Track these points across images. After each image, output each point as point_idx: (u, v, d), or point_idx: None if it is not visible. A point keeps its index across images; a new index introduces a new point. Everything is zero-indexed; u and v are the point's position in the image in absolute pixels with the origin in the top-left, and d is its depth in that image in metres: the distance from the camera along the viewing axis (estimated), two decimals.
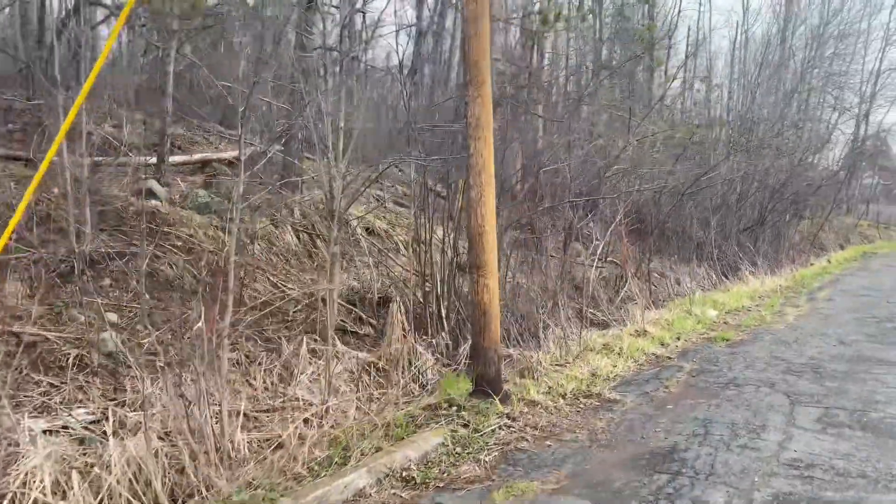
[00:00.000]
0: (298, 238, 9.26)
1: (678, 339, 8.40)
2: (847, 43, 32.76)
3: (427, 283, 8.24)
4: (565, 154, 11.25)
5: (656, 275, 14.12)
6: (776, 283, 13.14)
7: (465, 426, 5.05)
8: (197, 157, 10.63)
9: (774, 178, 17.71)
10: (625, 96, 22.31)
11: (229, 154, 10.70)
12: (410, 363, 7.45)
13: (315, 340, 7.26)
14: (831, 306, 10.94)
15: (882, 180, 39.13)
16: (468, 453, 4.66)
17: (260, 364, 6.58)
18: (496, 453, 4.71)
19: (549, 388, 6.06)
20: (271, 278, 8.18)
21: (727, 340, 8.41)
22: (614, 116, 16.82)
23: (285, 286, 8.04)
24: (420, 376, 7.16)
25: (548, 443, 4.92)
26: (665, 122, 17.63)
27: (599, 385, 6.32)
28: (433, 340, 7.88)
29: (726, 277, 15.34)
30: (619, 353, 7.39)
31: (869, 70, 34.05)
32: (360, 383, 7.10)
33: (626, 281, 10.72)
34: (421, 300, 8.48)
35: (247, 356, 6.78)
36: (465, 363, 6.79)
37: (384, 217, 10.90)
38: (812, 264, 16.83)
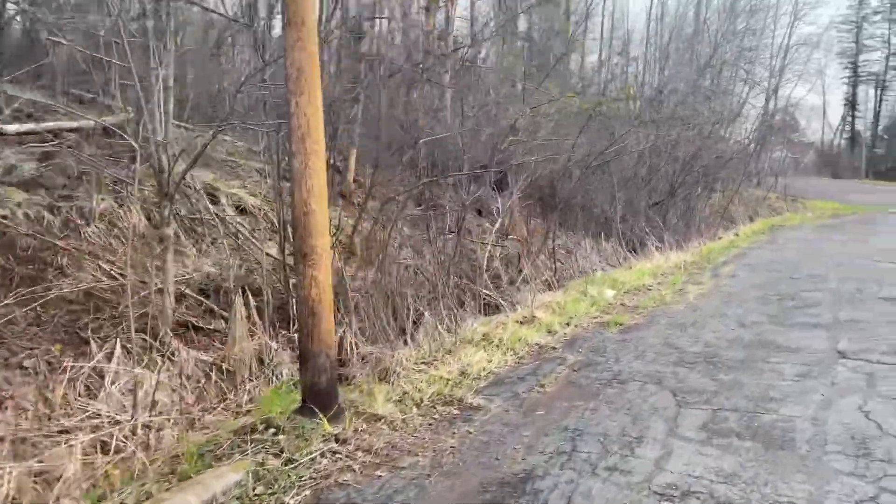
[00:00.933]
0: (149, 218, 7.95)
1: (568, 324, 7.56)
2: (758, 18, 32.77)
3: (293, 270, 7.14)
4: (458, 123, 10.26)
5: (563, 251, 13.38)
6: (682, 258, 12.54)
7: (279, 455, 4.00)
8: (47, 125, 9.13)
9: (684, 150, 17.20)
10: (538, 69, 21.48)
11: (87, 122, 9.25)
12: (264, 364, 6.38)
13: (144, 340, 6.10)
14: (734, 283, 10.35)
15: (790, 154, 39.76)
16: (271, 494, 3.62)
17: (64, 371, 5.37)
18: (308, 492, 3.69)
19: (405, 394, 5.08)
20: (104, 265, 6.91)
21: (621, 325, 7.62)
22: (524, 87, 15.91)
23: (121, 274, 6.78)
24: (276, 379, 6.11)
25: (379, 472, 3.93)
26: (575, 93, 16.85)
27: (465, 387, 5.37)
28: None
29: (635, 252, 14.76)
30: (498, 345, 6.48)
31: (778, 45, 34.25)
32: (201, 391, 6.01)
33: (522, 260, 9.82)
34: (282, 290, 7.39)
35: (49, 363, 5.57)
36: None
37: (259, 193, 9.66)
38: (720, 238, 16.43)
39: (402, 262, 10.06)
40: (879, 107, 54.64)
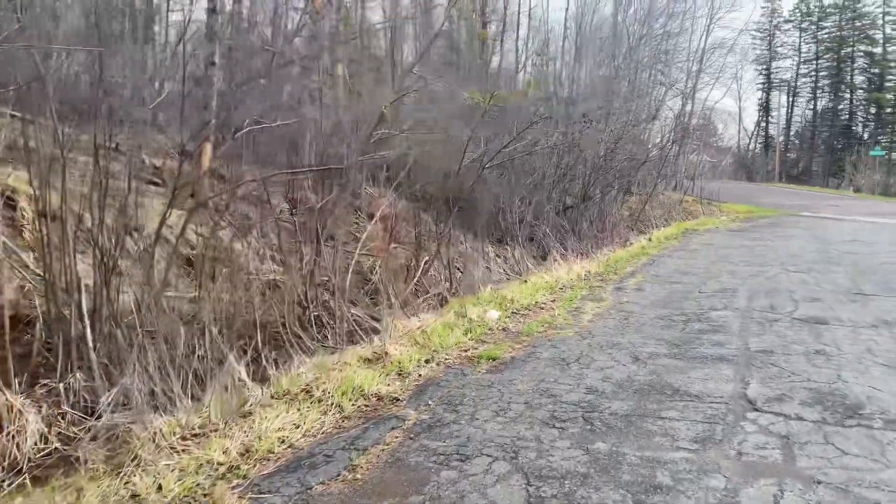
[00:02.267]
0: None
1: (429, 361, 6.00)
2: (675, 21, 32.20)
3: (61, 294, 5.44)
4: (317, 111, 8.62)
5: (464, 260, 11.86)
6: (587, 268, 11.19)
7: None
8: None
9: (595, 151, 15.97)
10: (446, 62, 20.00)
11: None
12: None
13: None
14: (637, 299, 9.01)
15: (708, 157, 39.58)
16: None
17: None
18: None
19: (134, 498, 3.39)
20: None
21: (493, 360, 6.11)
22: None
23: None
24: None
25: None
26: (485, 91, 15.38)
27: (237, 478, 3.72)
28: (64, 384, 5.10)
29: (544, 259, 13.42)
30: (320, 399, 4.86)
31: (695, 48, 33.85)
32: None
33: (376, 271, 8.25)
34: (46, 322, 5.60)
35: None
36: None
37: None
38: (632, 244, 15.24)
39: (260, 277, 8.36)
40: (791, 112, 55.59)
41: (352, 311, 8.23)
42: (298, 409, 4.67)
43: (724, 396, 5.07)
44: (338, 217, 10.68)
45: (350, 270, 8.28)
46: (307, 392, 4.96)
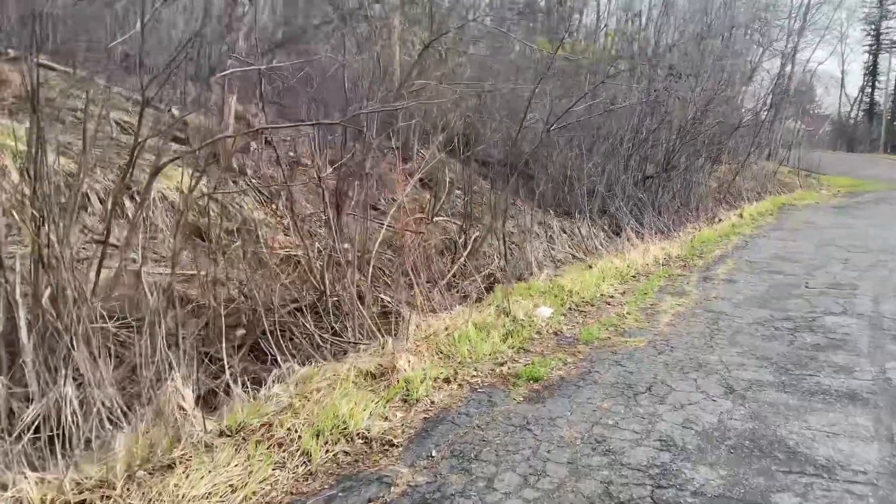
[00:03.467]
0: None
1: (448, 380, 4.52)
2: None
3: None
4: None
5: (522, 235, 10.27)
6: (665, 250, 9.39)
7: None
8: None
9: (682, 116, 13.86)
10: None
11: None
12: None
13: None
14: (729, 293, 7.23)
15: (805, 125, 35.99)
16: None
17: None
18: None
19: None
20: None
21: (536, 381, 4.57)
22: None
23: None
24: None
25: None
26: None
27: None
28: None
29: (618, 236, 11.64)
30: (280, 442, 3.45)
31: (797, 4, 30.30)
32: None
33: (404, 255, 6.78)
34: None
35: None
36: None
37: None
38: (720, 221, 13.20)
39: (278, 252, 7.09)
40: None
41: (382, 295, 6.82)
42: (248, 458, 3.29)
43: (868, 471, 3.37)
44: (384, 181, 9.27)
45: (376, 245, 6.82)
46: (268, 428, 3.56)
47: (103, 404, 3.69)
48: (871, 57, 51.67)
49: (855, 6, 43.94)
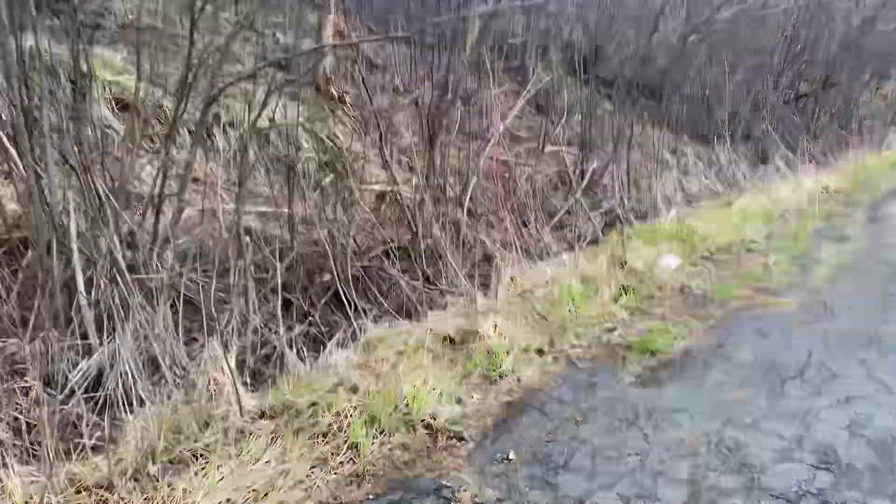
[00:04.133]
0: None
1: (542, 351, 3.71)
2: None
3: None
4: None
5: (652, 164, 9.05)
6: (823, 183, 7.89)
7: None
8: None
9: (846, 24, 11.65)
10: None
11: None
12: None
13: None
14: None
15: None
16: None
17: None
18: None
19: None
20: None
21: (652, 354, 3.66)
22: None
23: None
24: None
25: None
26: None
27: None
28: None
29: (765, 163, 10.10)
30: (324, 432, 2.83)
31: None
32: None
33: (505, 191, 5.91)
34: None
35: None
36: None
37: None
38: (889, 146, 11.16)
39: (373, 188, 6.47)
40: None
41: (483, 236, 6.03)
42: (284, 451, 2.69)
43: None
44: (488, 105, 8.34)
45: (473, 180, 5.97)
46: (316, 410, 2.94)
47: (164, 361, 3.21)
48: None
49: None
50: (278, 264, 4.00)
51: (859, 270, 5.02)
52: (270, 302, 4.24)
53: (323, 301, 4.41)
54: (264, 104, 3.82)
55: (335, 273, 4.63)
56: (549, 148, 7.95)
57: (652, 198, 7.52)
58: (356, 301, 4.59)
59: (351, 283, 4.66)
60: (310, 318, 4.18)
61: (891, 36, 14.40)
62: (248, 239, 4.96)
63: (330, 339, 3.76)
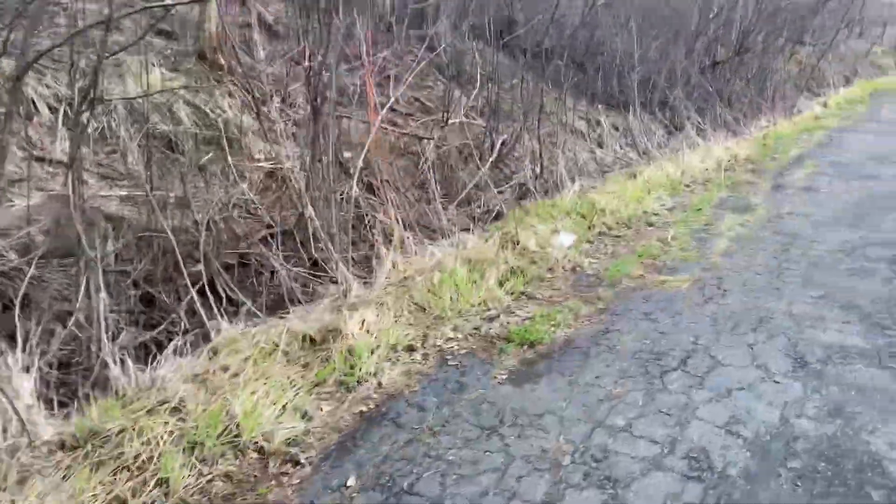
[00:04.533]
0: None
1: (412, 348, 3.34)
2: None
3: None
4: None
5: (567, 135, 8.77)
6: (732, 151, 7.74)
7: None
8: None
9: None
10: None
11: None
12: None
13: None
14: (807, 208, 5.69)
15: None
16: None
17: None
18: None
19: None
20: None
21: (531, 346, 3.35)
22: None
23: None
24: None
25: None
26: None
27: None
28: None
29: (678, 132, 9.94)
30: (127, 465, 2.38)
31: None
32: None
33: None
34: None
35: None
36: None
37: None
38: (800, 112, 11.18)
39: (262, 165, 5.99)
40: None
41: (378, 217, 5.59)
42: (73, 495, 2.24)
43: None
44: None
45: (363, 154, 5.52)
46: (121, 437, 2.49)
47: None
48: None
49: None
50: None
51: (757, 242, 4.83)
52: (128, 297, 3.79)
53: (189, 296, 3.92)
54: (95, 73, 3.26)
55: (207, 262, 4.16)
56: (457, 119, 7.53)
57: (559, 171, 7.23)
58: (229, 294, 4.15)
59: (223, 274, 4.21)
60: (170, 318, 3.73)
61: (806, 1, 14.47)
62: (108, 226, 4.46)
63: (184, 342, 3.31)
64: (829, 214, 5.48)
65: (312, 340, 3.32)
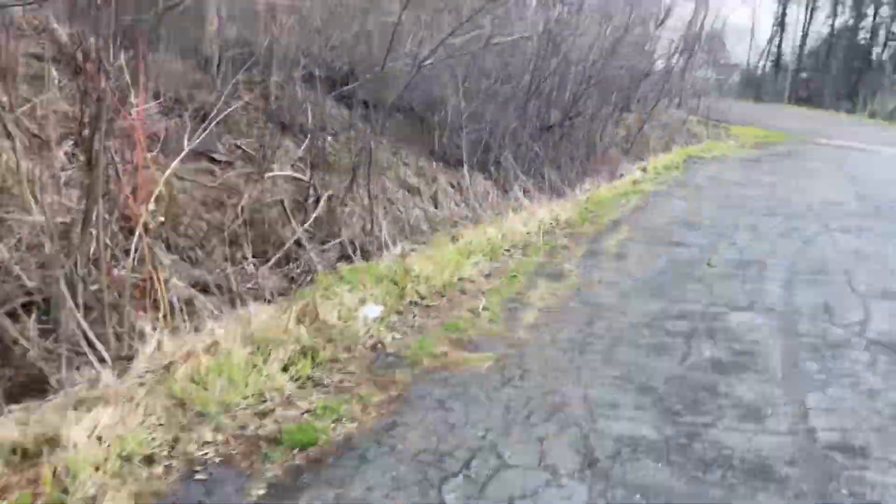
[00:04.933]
0: None
1: (154, 460, 2.76)
2: None
3: None
4: None
5: (405, 191, 8.52)
6: (554, 213, 7.84)
7: None
8: None
9: (586, 58, 12.17)
10: None
11: None
12: None
13: None
14: (616, 275, 5.75)
15: (716, 74, 35.14)
16: None
17: None
18: None
19: None
20: None
21: (302, 449, 2.90)
22: None
23: None
24: None
25: None
26: None
27: None
28: None
29: (506, 193, 10.01)
30: None
31: None
32: None
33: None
34: None
35: None
36: None
37: None
38: (622, 176, 11.77)
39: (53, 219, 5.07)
40: (808, 28, 50.16)
41: (173, 280, 4.93)
42: None
43: None
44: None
45: (151, 199, 4.88)
46: None
47: None
48: (780, 7, 51.29)
49: None
50: None
51: (565, 313, 4.72)
52: None
53: None
54: None
55: None
56: (282, 171, 7.04)
57: (385, 231, 6.92)
58: None
59: None
60: None
61: (631, 71, 15.53)
62: None
63: None
64: (635, 283, 5.54)
65: (25, 453, 2.66)
